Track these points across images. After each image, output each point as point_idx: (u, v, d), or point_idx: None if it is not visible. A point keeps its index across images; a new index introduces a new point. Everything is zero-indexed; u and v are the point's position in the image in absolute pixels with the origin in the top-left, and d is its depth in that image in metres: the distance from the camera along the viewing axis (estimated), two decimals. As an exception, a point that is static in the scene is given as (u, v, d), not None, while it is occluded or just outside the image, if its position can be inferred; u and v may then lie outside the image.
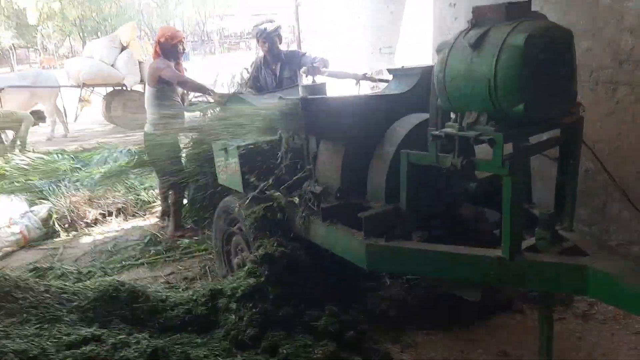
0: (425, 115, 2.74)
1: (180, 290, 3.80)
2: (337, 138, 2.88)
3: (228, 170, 3.38)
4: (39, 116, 9.36)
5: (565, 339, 2.88)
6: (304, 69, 3.93)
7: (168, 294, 2.93)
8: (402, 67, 3.27)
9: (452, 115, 2.45)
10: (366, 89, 4.35)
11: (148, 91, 4.75)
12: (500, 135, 2.09)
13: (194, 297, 2.78)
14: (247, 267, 2.86)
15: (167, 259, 4.47)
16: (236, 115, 3.49)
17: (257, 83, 4.69)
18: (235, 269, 3.55)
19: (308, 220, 3.02)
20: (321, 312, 2.83)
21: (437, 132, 2.30)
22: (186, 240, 4.73)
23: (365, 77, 3.87)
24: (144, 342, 2.00)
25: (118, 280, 2.77)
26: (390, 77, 3.31)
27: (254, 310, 2.58)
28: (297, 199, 3.17)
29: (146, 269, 4.33)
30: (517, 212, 2.18)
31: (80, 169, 8.23)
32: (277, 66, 4.59)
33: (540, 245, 2.32)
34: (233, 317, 2.57)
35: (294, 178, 3.29)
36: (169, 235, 4.85)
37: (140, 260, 4.47)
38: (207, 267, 4.11)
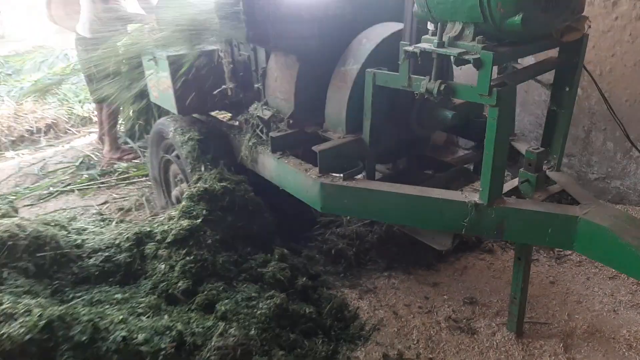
0: (397, 26, 2.29)
1: (113, 222, 3.42)
2: (290, 50, 2.40)
3: (159, 86, 2.87)
4: None
5: (537, 284, 2.69)
6: None
7: (85, 237, 2.53)
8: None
9: (431, 27, 2.00)
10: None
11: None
12: (489, 54, 1.68)
13: (117, 242, 2.40)
14: (180, 206, 2.47)
15: (101, 185, 4.02)
16: (169, 18, 2.93)
17: None
18: (175, 203, 3.16)
19: (255, 150, 2.61)
20: (269, 255, 2.52)
21: (410, 48, 1.87)
22: (124, 164, 4.26)
23: None
24: (36, 310, 1.63)
25: (17, 224, 2.34)
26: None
27: (187, 258, 2.23)
28: (244, 124, 2.73)
29: (77, 197, 3.89)
30: (501, 150, 1.83)
31: (9, 75, 7.44)
32: None
33: (523, 189, 2.01)
34: (163, 266, 2.22)
35: (239, 97, 2.85)
36: (104, 156, 4.36)
37: (70, 186, 4.01)
38: (145, 197, 3.70)
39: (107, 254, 2.35)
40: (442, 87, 1.82)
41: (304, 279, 2.46)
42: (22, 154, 4.74)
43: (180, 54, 2.68)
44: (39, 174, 4.28)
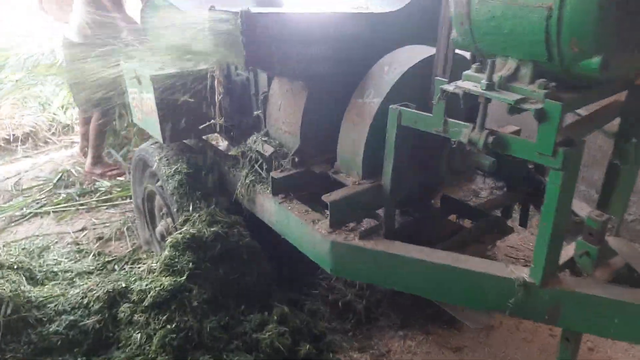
0: (426, 50, 1.93)
1: (89, 253, 3.06)
2: (297, 76, 2.05)
3: (143, 107, 2.51)
4: None
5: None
6: None
7: (45, 295, 2.16)
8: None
9: (469, 56, 1.66)
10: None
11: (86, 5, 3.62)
12: (557, 105, 1.33)
13: (85, 301, 2.04)
14: (162, 256, 2.11)
15: (80, 207, 3.66)
16: (156, 28, 2.58)
17: None
18: (159, 240, 2.80)
19: (253, 189, 2.26)
20: (267, 315, 2.17)
21: (450, 88, 1.51)
22: (107, 182, 3.89)
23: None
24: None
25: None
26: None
27: (168, 326, 1.88)
28: (240, 155, 2.37)
29: (52, 220, 3.52)
30: (561, 222, 1.48)
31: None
32: None
33: (582, 264, 1.66)
34: (139, 335, 1.87)
35: (235, 122, 2.49)
36: (86, 171, 3.99)
37: (45, 208, 3.64)
38: (127, 224, 3.34)
39: (72, 317, 1.99)
40: (491, 139, 1.47)
41: (307, 346, 2.11)
42: (-4, 166, 4.36)
43: (167, 74, 2.31)
44: (13, 190, 3.91)
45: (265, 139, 2.27)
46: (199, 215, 2.29)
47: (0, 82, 6.24)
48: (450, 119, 1.60)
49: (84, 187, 3.90)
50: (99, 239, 3.28)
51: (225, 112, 2.47)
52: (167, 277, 1.99)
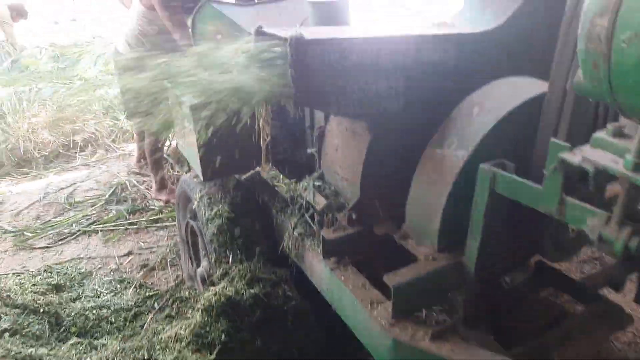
0: (535, 86, 1.47)
1: (131, 285, 2.85)
2: (359, 115, 1.65)
3: (184, 136, 2.21)
4: (17, 12, 7.84)
5: None
6: None
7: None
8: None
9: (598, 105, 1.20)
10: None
11: (138, 6, 3.35)
12: None
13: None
14: (192, 324, 1.80)
15: (129, 226, 3.47)
16: (205, 42, 2.27)
17: None
18: (200, 282, 2.52)
19: (302, 243, 1.89)
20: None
21: (575, 159, 1.06)
22: (159, 203, 3.69)
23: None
24: None
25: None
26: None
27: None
28: (289, 200, 2.01)
29: (99, 241, 3.37)
30: None
31: (63, 70, 7.16)
32: None
33: None
34: None
35: (287, 154, 2.15)
36: (152, 196, 3.81)
37: (93, 226, 3.49)
38: (172, 254, 3.10)
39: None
40: (637, 242, 1.00)
41: None
42: (53, 173, 4.30)
43: (209, 102, 1.99)
44: (65, 203, 3.81)
45: (319, 183, 1.89)
46: (238, 270, 1.96)
47: (70, 80, 6.33)
48: (570, 199, 1.14)
49: (135, 204, 3.73)
50: (144, 266, 3.07)
51: (276, 143, 2.13)
52: (194, 355, 1.68)
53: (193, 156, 2.15)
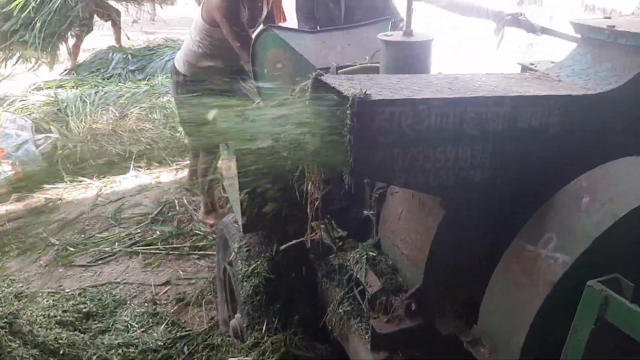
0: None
1: (164, 321, 2.67)
2: (431, 189, 1.34)
3: (228, 176, 1.98)
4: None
5: None
6: None
7: None
8: (610, 17, 1.61)
9: None
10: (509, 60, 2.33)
11: (199, 22, 3.13)
12: None
13: None
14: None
15: (172, 251, 3.31)
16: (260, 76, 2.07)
17: (312, 15, 3.04)
18: (232, 335, 2.28)
19: (347, 323, 1.60)
20: None
21: None
22: (205, 228, 3.52)
23: (517, 18, 2.09)
24: None
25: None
26: (573, 37, 1.65)
27: None
28: (337, 267, 1.73)
29: (139, 264, 3.22)
30: None
31: (132, 73, 7.22)
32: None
33: None
34: None
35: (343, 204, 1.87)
36: (199, 219, 3.64)
37: (135, 247, 3.35)
38: (211, 288, 2.89)
39: None
40: None
41: None
42: (104, 184, 4.24)
43: (257, 148, 1.75)
44: (112, 218, 3.72)
45: (374, 253, 1.60)
46: (271, 342, 1.70)
47: (136, 85, 6.35)
48: None
49: (181, 226, 3.57)
50: (179, 300, 2.89)
51: (331, 192, 1.86)
52: None
53: (235, 202, 1.91)
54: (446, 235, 1.36)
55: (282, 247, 1.77)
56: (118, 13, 7.78)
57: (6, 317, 2.18)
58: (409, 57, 1.59)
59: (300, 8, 3.12)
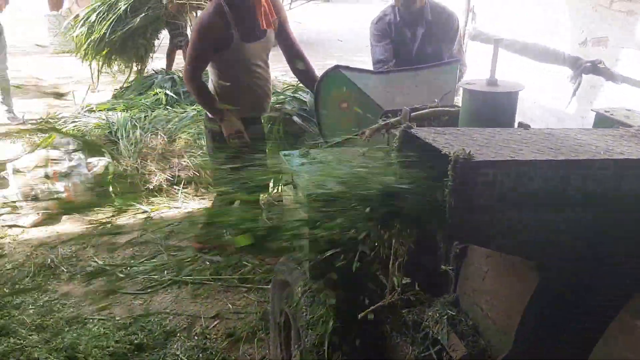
0: None
1: (214, 357, 2.63)
2: (528, 254, 1.27)
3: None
4: None
5: None
6: (475, 31, 2.12)
7: None
8: None
9: None
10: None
11: None
12: None
13: None
14: None
15: (221, 282, 3.29)
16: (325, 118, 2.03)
17: (384, 54, 2.99)
18: (288, 380, 2.22)
19: (422, 385, 1.52)
20: None
21: None
22: (253, 259, 3.49)
23: (596, 66, 2.00)
24: None
25: None
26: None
27: None
28: (410, 323, 1.65)
29: (188, 295, 3.20)
30: None
31: (180, 97, 7.34)
32: (418, 29, 2.87)
33: None
34: None
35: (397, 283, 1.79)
36: None
37: (185, 277, 3.34)
38: (262, 324, 2.85)
39: None
40: None
41: None
42: (153, 210, 4.28)
43: (328, 193, 1.70)
44: (161, 245, 3.73)
45: (453, 312, 1.52)
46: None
47: (184, 110, 6.45)
48: None
49: (230, 256, 3.55)
50: (229, 335, 2.84)
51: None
52: None
53: (301, 246, 1.87)
54: (541, 304, 1.28)
55: (360, 315, 1.68)
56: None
57: (65, 351, 2.18)
58: (495, 108, 1.53)
59: (378, 26, 3.05)
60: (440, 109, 1.97)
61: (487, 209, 1.13)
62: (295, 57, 3.04)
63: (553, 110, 3.76)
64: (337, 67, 2.25)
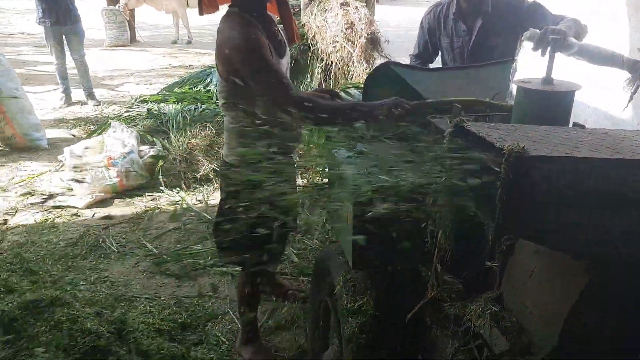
0: None
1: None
2: (581, 254, 1.25)
3: (344, 214, 1.95)
4: None
5: None
6: (530, 32, 2.04)
7: None
8: None
9: None
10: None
11: (221, 85, 2.18)
12: None
13: None
14: None
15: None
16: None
17: (434, 47, 2.92)
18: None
19: (462, 378, 1.52)
20: None
21: None
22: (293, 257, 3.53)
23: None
24: None
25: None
26: None
27: None
28: (452, 317, 1.65)
29: (230, 280, 3.27)
30: None
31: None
32: (475, 21, 2.74)
33: None
34: None
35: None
36: (235, 349, 2.66)
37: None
38: (303, 312, 2.89)
39: None
40: None
41: None
42: (199, 199, 4.39)
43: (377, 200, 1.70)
44: (206, 232, 3.82)
45: (496, 309, 1.51)
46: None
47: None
48: None
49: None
50: (268, 321, 2.90)
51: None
52: None
53: (346, 240, 1.88)
54: (589, 304, 1.26)
55: (408, 316, 1.68)
56: None
57: (115, 323, 2.28)
58: (550, 107, 1.51)
59: (424, 19, 2.98)
60: (495, 103, 1.93)
61: (540, 205, 1.12)
62: None
63: (608, 115, 3.64)
64: (387, 63, 2.26)
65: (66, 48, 7.03)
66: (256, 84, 2.01)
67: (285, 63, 2.26)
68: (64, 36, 6.91)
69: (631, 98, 1.99)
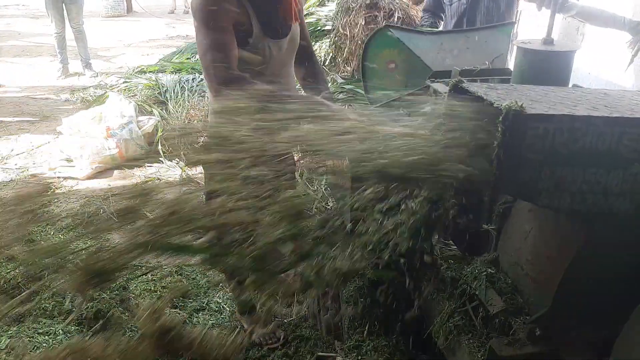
0: None
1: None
2: (575, 211, 1.25)
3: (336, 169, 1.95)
4: None
5: None
6: None
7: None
8: None
9: None
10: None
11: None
12: None
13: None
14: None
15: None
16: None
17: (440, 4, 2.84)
18: (323, 327, 2.28)
19: (456, 339, 1.54)
20: None
21: None
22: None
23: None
24: None
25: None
26: None
27: None
28: (449, 280, 1.66)
29: (230, 249, 3.29)
30: None
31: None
32: None
33: None
34: None
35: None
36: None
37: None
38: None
39: None
40: None
41: None
42: (197, 170, 4.39)
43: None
44: (204, 202, 3.82)
45: (492, 271, 1.53)
46: (374, 347, 1.67)
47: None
48: None
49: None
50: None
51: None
52: None
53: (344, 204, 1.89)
54: (583, 262, 1.27)
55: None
56: None
57: (117, 290, 2.30)
58: (550, 68, 1.49)
59: None
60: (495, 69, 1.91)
61: (537, 164, 1.11)
62: (308, 61, 2.11)
63: (609, 82, 3.60)
64: (387, 26, 2.22)
65: (66, 18, 6.94)
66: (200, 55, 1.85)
67: (278, 47, 1.97)
68: (63, 5, 6.82)
69: (632, 60, 1.97)
